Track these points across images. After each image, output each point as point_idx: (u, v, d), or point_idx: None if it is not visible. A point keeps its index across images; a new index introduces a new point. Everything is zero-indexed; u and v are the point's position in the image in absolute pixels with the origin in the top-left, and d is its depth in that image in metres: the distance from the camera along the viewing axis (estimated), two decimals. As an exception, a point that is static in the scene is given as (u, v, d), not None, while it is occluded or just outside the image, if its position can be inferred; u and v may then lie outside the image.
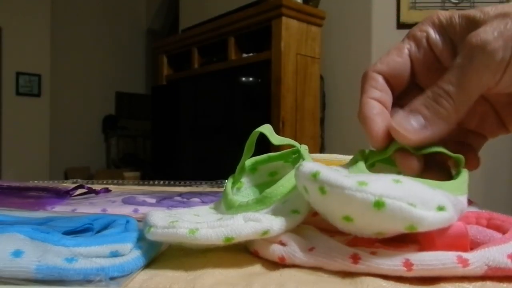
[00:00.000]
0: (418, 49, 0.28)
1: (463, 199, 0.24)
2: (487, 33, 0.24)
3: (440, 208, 0.20)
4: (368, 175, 0.21)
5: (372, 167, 0.28)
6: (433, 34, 0.28)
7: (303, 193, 0.23)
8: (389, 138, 0.27)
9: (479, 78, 0.24)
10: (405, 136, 0.25)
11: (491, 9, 0.25)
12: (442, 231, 0.21)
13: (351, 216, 0.20)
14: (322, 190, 0.20)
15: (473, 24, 0.26)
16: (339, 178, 0.20)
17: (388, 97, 0.28)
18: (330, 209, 0.21)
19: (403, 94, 0.30)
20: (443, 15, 0.28)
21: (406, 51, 0.29)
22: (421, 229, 0.19)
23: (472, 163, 0.29)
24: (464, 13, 0.27)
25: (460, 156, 0.26)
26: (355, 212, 0.20)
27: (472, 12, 0.26)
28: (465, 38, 0.25)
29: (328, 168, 0.22)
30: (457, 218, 0.21)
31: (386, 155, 0.27)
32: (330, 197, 0.20)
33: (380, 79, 0.28)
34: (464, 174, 0.26)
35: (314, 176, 0.21)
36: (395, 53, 0.29)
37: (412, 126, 0.25)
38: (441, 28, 0.28)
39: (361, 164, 0.26)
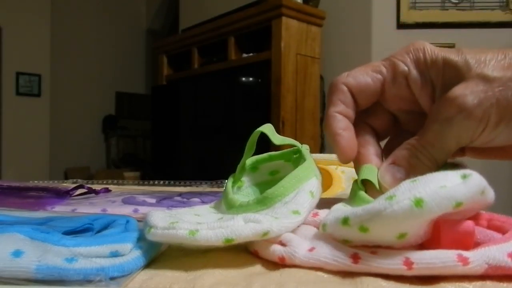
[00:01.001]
0: (394, 81, 0.28)
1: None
2: (468, 99, 0.25)
3: (464, 176, 0.20)
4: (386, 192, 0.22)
5: None
6: (415, 73, 0.28)
7: (346, 244, 0.22)
8: (354, 153, 0.29)
9: (459, 139, 0.26)
10: (387, 189, 0.26)
11: (475, 65, 0.25)
12: (450, 226, 0.21)
13: (403, 231, 0.20)
14: (363, 229, 0.21)
15: (456, 76, 0.26)
16: (367, 208, 0.20)
17: (353, 113, 0.29)
18: (382, 237, 0.21)
19: (368, 110, 0.31)
20: (429, 53, 0.27)
21: (379, 77, 0.29)
22: (465, 203, 0.19)
23: None
24: (449, 59, 0.26)
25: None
26: (403, 224, 0.20)
27: (456, 61, 0.26)
28: (447, 96, 0.25)
29: (345, 207, 0.24)
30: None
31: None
32: (375, 229, 0.20)
33: (347, 93, 0.29)
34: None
35: (346, 222, 0.21)
36: (370, 74, 0.29)
37: (395, 180, 0.27)
38: (425, 68, 0.27)
39: (362, 193, 0.27)
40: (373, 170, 0.28)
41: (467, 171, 0.20)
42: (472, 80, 0.25)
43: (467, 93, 0.25)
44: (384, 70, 0.29)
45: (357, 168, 0.30)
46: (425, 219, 0.20)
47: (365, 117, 0.31)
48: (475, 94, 0.25)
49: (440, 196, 0.19)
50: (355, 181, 0.30)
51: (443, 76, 0.27)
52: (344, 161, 0.29)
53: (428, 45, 0.28)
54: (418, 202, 0.19)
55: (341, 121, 0.29)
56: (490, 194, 0.21)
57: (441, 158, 0.27)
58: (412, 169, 0.27)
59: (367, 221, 0.20)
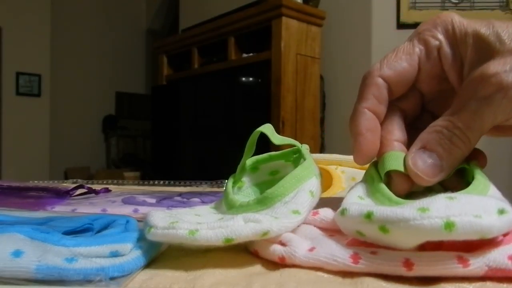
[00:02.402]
0: (428, 57, 0.27)
1: (498, 195, 0.24)
2: (507, 76, 0.23)
3: (501, 212, 0.19)
4: (419, 200, 0.21)
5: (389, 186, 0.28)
6: (446, 46, 0.26)
7: (357, 236, 0.22)
8: (373, 157, 0.27)
9: (495, 119, 0.24)
10: (423, 179, 0.25)
11: (508, 39, 0.24)
12: None
13: (421, 243, 0.20)
14: (383, 229, 0.20)
15: (487, 51, 0.24)
16: (397, 211, 0.20)
17: (384, 109, 0.28)
18: (398, 243, 0.21)
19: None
20: (458, 26, 0.26)
21: (416, 58, 0.27)
22: (491, 236, 0.19)
23: (482, 161, 0.28)
24: (479, 33, 0.25)
25: (474, 162, 0.27)
26: (427, 239, 0.20)
27: (488, 35, 0.24)
28: (482, 73, 0.24)
29: (374, 204, 0.23)
30: None
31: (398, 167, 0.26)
32: (395, 233, 0.20)
33: (383, 87, 0.27)
34: (479, 172, 0.26)
35: (369, 217, 0.21)
36: (404, 58, 0.27)
37: (428, 166, 0.25)
38: (454, 42, 0.26)
39: (382, 186, 0.26)
40: (398, 157, 0.27)
41: (506, 207, 0.20)
42: (508, 56, 0.23)
43: (506, 69, 0.23)
44: (417, 50, 0.27)
45: (379, 154, 0.28)
46: (447, 239, 0.19)
47: (395, 99, 0.28)
48: None
49: (471, 227, 0.19)
50: (372, 166, 0.28)
51: (473, 51, 0.25)
52: (359, 163, 0.28)
53: (456, 16, 0.26)
54: (449, 225, 0.19)
55: (368, 120, 0.27)
56: None
57: (475, 140, 0.25)
58: (446, 154, 0.25)
59: (391, 224, 0.20)
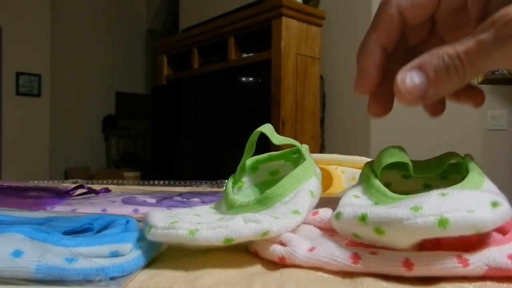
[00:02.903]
0: None
1: (494, 188, 0.24)
2: None
3: (494, 204, 0.19)
4: (411, 197, 0.21)
5: (388, 186, 0.28)
6: None
7: (354, 239, 0.22)
8: (371, 91, 0.27)
9: (500, 63, 0.23)
10: (403, 96, 0.24)
11: None
12: None
13: (417, 241, 0.20)
14: (378, 231, 0.20)
15: None
16: (390, 211, 0.20)
17: (394, 44, 0.27)
18: (394, 243, 0.21)
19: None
20: None
21: None
22: (486, 230, 0.19)
23: (477, 99, 0.27)
24: None
25: (468, 156, 0.26)
26: (421, 237, 0.20)
27: None
28: (507, 13, 0.22)
29: (369, 201, 0.23)
30: None
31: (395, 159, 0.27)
32: (390, 234, 0.20)
33: (396, 20, 0.26)
34: (474, 166, 0.26)
35: (363, 219, 0.21)
36: None
37: (413, 86, 0.24)
38: None
39: (377, 182, 0.26)
40: (394, 154, 0.27)
41: (499, 199, 0.20)
42: None
43: None
44: None
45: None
46: (442, 236, 0.19)
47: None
48: None
49: (466, 222, 0.19)
50: (367, 165, 0.28)
51: None
52: (359, 93, 0.27)
53: None
54: (443, 222, 0.19)
55: (375, 55, 0.27)
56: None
57: (470, 77, 0.24)
58: (436, 82, 0.24)
59: (386, 225, 0.20)
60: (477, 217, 0.19)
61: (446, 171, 0.29)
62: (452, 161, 0.29)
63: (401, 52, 0.29)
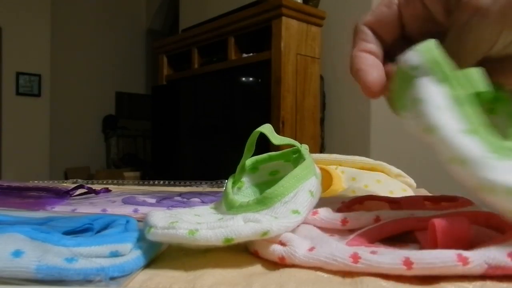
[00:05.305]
0: (407, 1, 0.27)
1: None
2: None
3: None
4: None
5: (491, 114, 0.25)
6: None
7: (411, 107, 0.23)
8: (380, 87, 0.27)
9: (477, 45, 0.24)
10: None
11: None
12: (445, 225, 0.21)
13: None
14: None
15: None
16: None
17: (379, 49, 0.28)
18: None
19: (393, 46, 0.29)
20: None
21: (394, 1, 0.28)
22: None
23: None
24: None
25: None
26: None
27: None
28: (461, 0, 0.24)
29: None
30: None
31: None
32: None
33: (369, 31, 0.28)
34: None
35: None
36: (383, 4, 0.28)
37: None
38: None
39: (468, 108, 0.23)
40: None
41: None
42: None
43: None
44: None
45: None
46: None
47: (392, 56, 0.29)
48: None
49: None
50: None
51: None
52: (370, 95, 0.27)
53: None
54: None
55: (366, 59, 0.28)
56: None
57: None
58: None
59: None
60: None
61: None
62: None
63: None
